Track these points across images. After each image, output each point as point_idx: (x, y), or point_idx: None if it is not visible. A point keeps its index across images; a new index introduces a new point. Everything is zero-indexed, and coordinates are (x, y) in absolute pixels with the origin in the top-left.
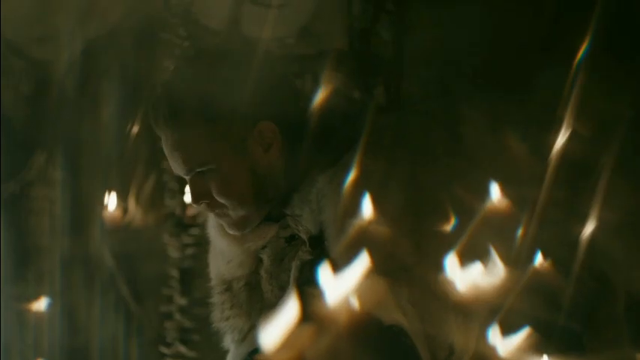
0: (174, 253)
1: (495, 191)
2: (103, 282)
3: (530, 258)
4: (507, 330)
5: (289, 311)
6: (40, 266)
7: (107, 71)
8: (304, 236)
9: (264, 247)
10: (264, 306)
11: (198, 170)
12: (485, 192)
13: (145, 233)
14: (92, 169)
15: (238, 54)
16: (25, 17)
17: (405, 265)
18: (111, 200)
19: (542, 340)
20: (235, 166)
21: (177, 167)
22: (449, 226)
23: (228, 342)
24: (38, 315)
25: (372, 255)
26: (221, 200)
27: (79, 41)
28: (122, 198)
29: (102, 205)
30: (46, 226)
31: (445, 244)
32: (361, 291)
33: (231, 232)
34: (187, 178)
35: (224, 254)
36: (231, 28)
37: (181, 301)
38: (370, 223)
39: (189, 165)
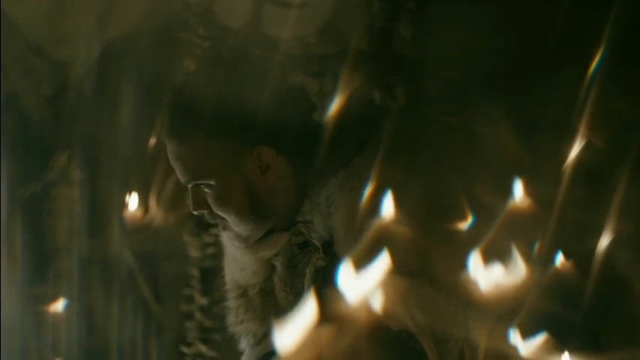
0: (194, 252)
1: (518, 190)
2: (122, 282)
3: (550, 257)
4: (524, 328)
5: (307, 312)
6: (59, 266)
7: (127, 71)
8: (317, 243)
9: (276, 255)
10: (278, 311)
11: (196, 182)
12: (505, 191)
13: (165, 233)
14: (113, 169)
15: (246, 73)
16: (45, 18)
17: (419, 268)
18: (132, 200)
19: (559, 338)
20: (232, 184)
21: (178, 175)
22: (466, 225)
23: (244, 345)
24: (57, 315)
25: (392, 255)
26: (218, 212)
27: (99, 42)
28: (143, 198)
29: (122, 206)
30: (66, 226)
31: (465, 243)
32: (381, 291)
33: (236, 244)
34: (188, 186)
35: (237, 261)
36: (251, 28)
37: (202, 300)
38: (390, 222)
39: (187, 176)
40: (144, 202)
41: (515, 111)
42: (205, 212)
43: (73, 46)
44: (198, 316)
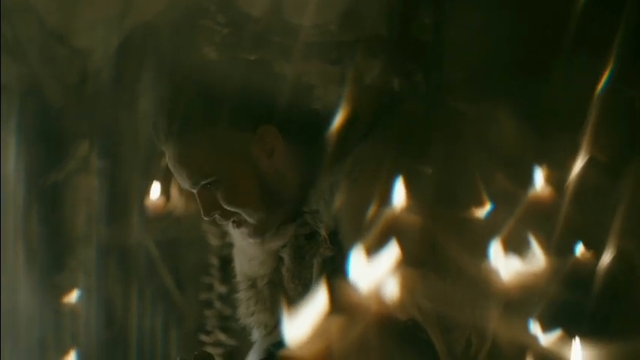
0: (214, 240)
1: (533, 178)
2: (141, 271)
3: (568, 246)
4: (534, 315)
5: (316, 303)
6: (78, 256)
7: (146, 59)
8: (324, 233)
9: (283, 246)
10: (288, 302)
11: (204, 183)
12: (518, 179)
13: (187, 221)
14: (133, 158)
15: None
16: (66, 5)
17: (425, 257)
18: (154, 188)
19: (570, 325)
20: (240, 174)
21: (182, 181)
22: (476, 213)
23: (256, 337)
24: (76, 305)
25: (399, 244)
26: (231, 209)
27: (120, 30)
28: (165, 186)
29: (143, 194)
30: (86, 215)
31: (474, 231)
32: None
33: (251, 240)
34: (195, 191)
35: (245, 252)
36: (271, 15)
37: (221, 288)
38: (397, 211)
39: (194, 178)
40: (165, 191)
41: (531, 98)
42: (217, 215)
43: (94, 35)
44: (217, 304)
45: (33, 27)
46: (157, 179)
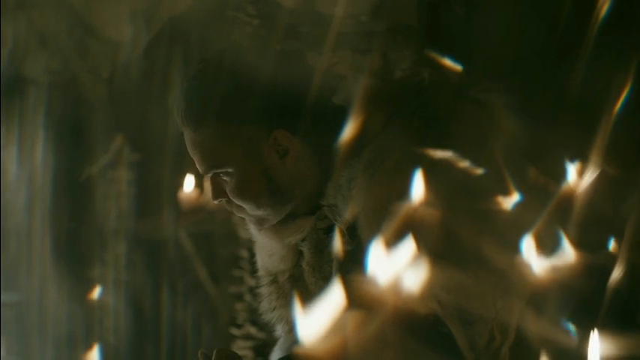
0: (243, 233)
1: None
2: (173, 265)
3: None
4: (560, 308)
5: (333, 299)
6: (108, 250)
7: (177, 53)
8: (343, 226)
9: (303, 240)
10: (309, 297)
11: (215, 171)
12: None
13: (220, 214)
14: (166, 151)
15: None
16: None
17: (444, 249)
18: (187, 182)
19: (595, 318)
20: (250, 170)
21: (197, 165)
22: (493, 205)
23: (279, 332)
24: (105, 300)
25: (417, 237)
26: (236, 202)
27: (151, 24)
28: (198, 179)
29: (175, 188)
30: (118, 209)
31: (494, 223)
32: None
33: (251, 227)
34: (207, 176)
35: (266, 248)
36: (304, 6)
37: (251, 281)
38: (415, 204)
39: (205, 165)
40: (199, 184)
41: (556, 91)
42: (224, 201)
43: (125, 28)
44: (247, 297)
45: (64, 19)
46: (190, 172)
